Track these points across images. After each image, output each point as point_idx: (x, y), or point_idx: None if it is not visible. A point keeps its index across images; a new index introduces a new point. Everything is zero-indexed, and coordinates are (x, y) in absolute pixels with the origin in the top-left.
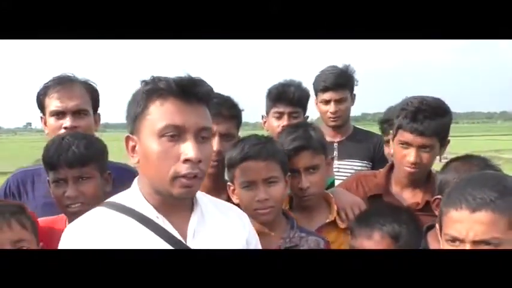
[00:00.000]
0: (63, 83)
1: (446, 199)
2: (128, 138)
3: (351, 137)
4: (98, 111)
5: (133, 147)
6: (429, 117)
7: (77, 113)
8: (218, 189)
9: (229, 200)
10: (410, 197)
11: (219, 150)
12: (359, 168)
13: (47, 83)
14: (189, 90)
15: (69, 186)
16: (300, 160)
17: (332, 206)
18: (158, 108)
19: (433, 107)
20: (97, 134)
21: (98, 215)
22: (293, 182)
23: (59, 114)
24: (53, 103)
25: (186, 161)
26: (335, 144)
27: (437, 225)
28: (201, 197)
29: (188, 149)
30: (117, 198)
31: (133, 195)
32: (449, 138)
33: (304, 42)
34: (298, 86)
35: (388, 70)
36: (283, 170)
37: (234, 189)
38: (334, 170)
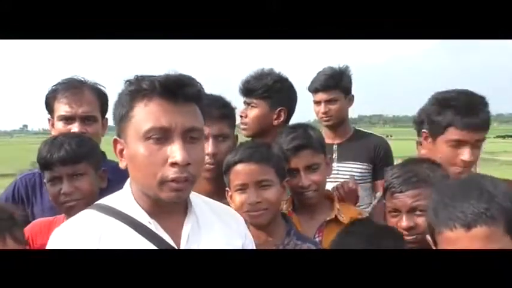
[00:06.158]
0: (73, 87)
1: (435, 218)
2: (115, 142)
3: (350, 139)
4: (106, 116)
5: (121, 151)
6: (481, 109)
7: (86, 119)
8: (219, 193)
9: (230, 204)
10: None
11: (214, 152)
12: (359, 170)
13: (55, 85)
14: (174, 89)
15: (64, 183)
16: (300, 159)
17: (334, 203)
18: (142, 109)
19: (477, 99)
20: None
21: (87, 217)
22: (293, 182)
23: (68, 119)
24: (62, 108)
25: (173, 164)
26: (334, 146)
27: (428, 237)
28: (195, 199)
29: (175, 151)
30: (108, 200)
31: (125, 198)
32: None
33: (302, 42)
34: (259, 76)
35: (383, 71)
36: (278, 174)
37: (231, 195)
38: (334, 172)
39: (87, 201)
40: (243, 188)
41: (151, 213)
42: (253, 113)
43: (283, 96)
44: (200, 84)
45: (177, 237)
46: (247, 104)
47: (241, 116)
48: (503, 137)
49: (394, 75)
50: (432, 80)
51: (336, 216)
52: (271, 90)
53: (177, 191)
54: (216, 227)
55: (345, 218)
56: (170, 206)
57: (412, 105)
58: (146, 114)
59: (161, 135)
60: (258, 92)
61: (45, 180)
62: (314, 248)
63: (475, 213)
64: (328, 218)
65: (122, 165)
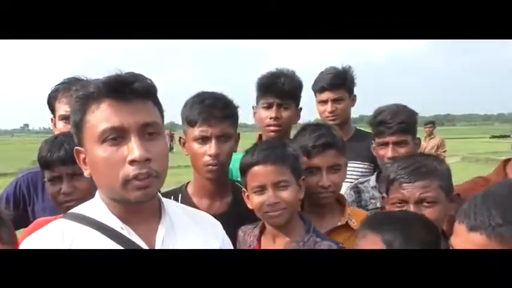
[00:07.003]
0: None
1: (462, 207)
2: (76, 151)
3: (352, 139)
4: None
5: (84, 159)
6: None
7: None
8: (221, 193)
9: (234, 202)
10: None
11: (217, 153)
12: (361, 169)
13: (57, 85)
14: (121, 88)
15: (63, 183)
16: (325, 158)
17: (345, 208)
18: (94, 113)
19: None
20: None
21: (57, 226)
22: (313, 180)
23: (68, 118)
24: (62, 107)
25: (132, 162)
26: None
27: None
28: (170, 205)
29: (132, 149)
30: (80, 208)
31: (96, 206)
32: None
33: (302, 42)
34: (288, 77)
35: (385, 71)
36: (294, 174)
37: (248, 195)
38: None
39: (86, 201)
40: (261, 189)
41: (124, 219)
42: (287, 113)
43: (300, 96)
44: (150, 80)
45: (151, 242)
46: (279, 105)
47: (270, 118)
48: None
49: (394, 74)
50: (432, 80)
51: (346, 221)
52: (297, 90)
53: (142, 188)
54: (192, 231)
55: (355, 224)
56: (142, 211)
57: (413, 104)
58: (98, 117)
59: (116, 135)
60: (291, 93)
61: (45, 180)
62: (335, 246)
63: (484, 221)
64: (339, 223)
65: (86, 173)
